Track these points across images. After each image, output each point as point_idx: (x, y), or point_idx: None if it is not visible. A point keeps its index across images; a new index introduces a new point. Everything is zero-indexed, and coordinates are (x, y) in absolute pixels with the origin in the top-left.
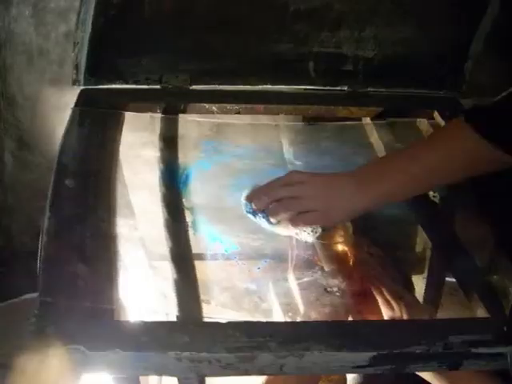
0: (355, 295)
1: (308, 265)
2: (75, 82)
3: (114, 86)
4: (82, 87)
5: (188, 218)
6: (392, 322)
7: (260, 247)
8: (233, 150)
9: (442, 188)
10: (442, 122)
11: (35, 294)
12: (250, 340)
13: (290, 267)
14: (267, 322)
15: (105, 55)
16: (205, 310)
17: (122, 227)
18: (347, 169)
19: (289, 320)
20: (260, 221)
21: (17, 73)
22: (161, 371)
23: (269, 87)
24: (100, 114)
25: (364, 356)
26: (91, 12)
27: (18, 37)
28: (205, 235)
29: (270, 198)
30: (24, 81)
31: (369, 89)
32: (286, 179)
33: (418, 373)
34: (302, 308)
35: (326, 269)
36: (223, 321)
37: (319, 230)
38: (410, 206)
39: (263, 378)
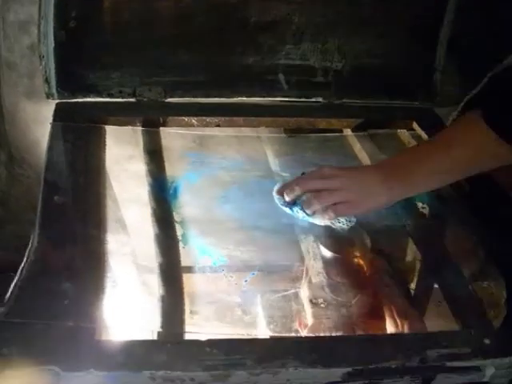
0: (361, 309)
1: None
2: (49, 96)
3: (88, 100)
4: (56, 101)
5: (178, 231)
6: (369, 336)
7: (249, 260)
8: (219, 162)
9: (431, 199)
10: (422, 133)
11: None
12: (226, 358)
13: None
14: (245, 339)
15: (73, 68)
16: (188, 325)
17: (112, 243)
18: None
19: (270, 334)
20: (295, 213)
21: None
22: None
23: (244, 99)
24: (80, 128)
25: (338, 372)
26: (51, 25)
27: None
28: (194, 248)
29: (303, 189)
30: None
31: (344, 100)
32: (318, 173)
33: None
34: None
35: (317, 279)
36: (202, 338)
37: (353, 219)
38: (401, 217)
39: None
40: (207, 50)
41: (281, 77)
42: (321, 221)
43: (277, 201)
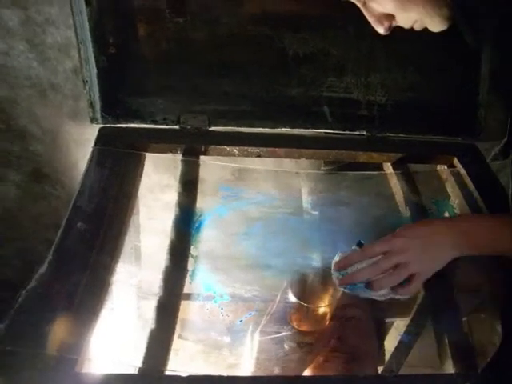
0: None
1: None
2: (93, 120)
3: (132, 125)
4: (100, 125)
5: (190, 266)
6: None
7: (251, 300)
8: (252, 197)
9: None
10: (462, 170)
11: None
12: None
13: (264, 322)
14: (225, 377)
15: (117, 94)
16: (172, 362)
17: (121, 274)
18: (362, 220)
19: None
20: (359, 292)
21: (26, 106)
22: None
23: (287, 130)
24: (120, 154)
25: None
26: (91, 50)
27: (18, 71)
28: (201, 284)
29: (375, 273)
30: (39, 114)
31: (387, 134)
32: (388, 244)
33: None
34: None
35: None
36: (183, 374)
37: None
38: None
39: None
40: (249, 80)
41: (325, 109)
42: (382, 297)
43: (336, 280)
